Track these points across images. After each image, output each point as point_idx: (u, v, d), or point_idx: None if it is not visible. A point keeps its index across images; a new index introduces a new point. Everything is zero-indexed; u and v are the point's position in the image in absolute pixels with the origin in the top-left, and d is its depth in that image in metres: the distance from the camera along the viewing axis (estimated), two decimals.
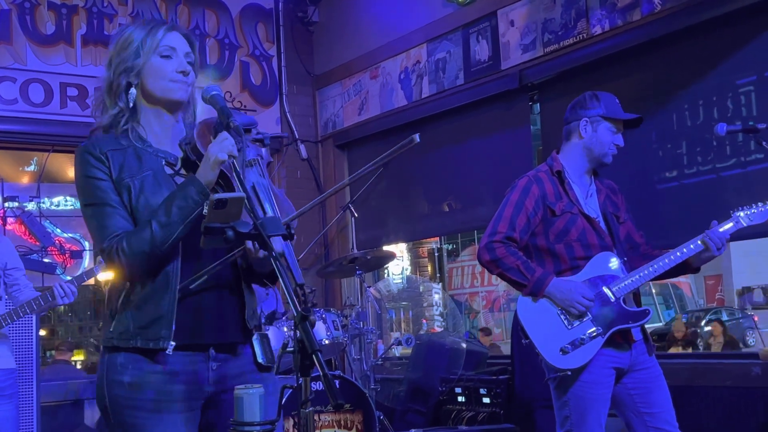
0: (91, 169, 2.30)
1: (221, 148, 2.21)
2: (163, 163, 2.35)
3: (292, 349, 1.89)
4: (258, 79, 7.16)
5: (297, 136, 7.25)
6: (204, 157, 2.25)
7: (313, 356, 1.85)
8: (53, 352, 10.46)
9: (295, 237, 2.21)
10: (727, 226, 3.46)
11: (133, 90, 2.38)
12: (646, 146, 4.93)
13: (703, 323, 15.32)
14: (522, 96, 5.64)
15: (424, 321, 7.11)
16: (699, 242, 3.44)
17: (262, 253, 2.17)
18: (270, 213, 2.17)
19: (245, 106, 6.97)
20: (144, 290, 2.29)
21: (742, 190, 4.51)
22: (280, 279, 2.00)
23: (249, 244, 2.15)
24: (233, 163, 2.20)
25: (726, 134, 3.60)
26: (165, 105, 2.40)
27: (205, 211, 2.20)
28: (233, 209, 2.05)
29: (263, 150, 2.39)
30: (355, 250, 6.69)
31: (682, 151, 4.80)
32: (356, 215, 6.58)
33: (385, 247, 6.93)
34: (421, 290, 6.76)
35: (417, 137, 1.99)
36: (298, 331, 1.88)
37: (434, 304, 7.12)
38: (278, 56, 7.29)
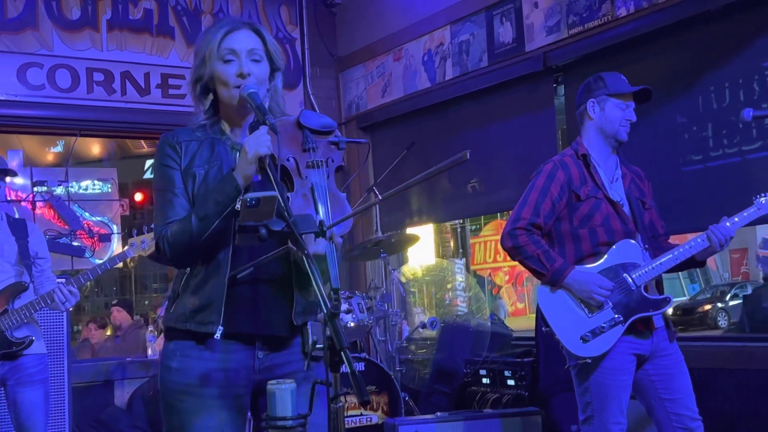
0: (164, 158, 2.42)
1: (258, 143, 2.26)
2: (237, 155, 2.40)
3: (321, 346, 1.94)
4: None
5: None
6: (241, 152, 2.30)
7: (342, 353, 1.90)
8: (80, 326, 10.62)
9: (341, 240, 2.26)
10: (749, 211, 3.46)
11: (211, 95, 2.46)
12: (672, 129, 4.91)
13: (728, 298, 15.23)
14: (546, 78, 5.61)
15: (447, 297, 7.13)
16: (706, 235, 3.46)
17: (312, 249, 2.20)
18: (321, 214, 2.23)
19: None
20: (199, 277, 2.38)
21: (767, 173, 4.49)
22: (311, 276, 2.04)
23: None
24: (269, 161, 2.24)
25: (753, 119, 3.58)
26: (233, 109, 2.46)
27: (238, 206, 2.25)
28: (266, 208, 2.10)
29: (337, 154, 2.43)
30: (379, 233, 6.73)
31: (708, 134, 4.77)
32: (380, 197, 6.61)
33: (409, 230, 6.97)
34: (445, 274, 6.78)
35: (468, 154, 2.01)
36: (327, 328, 1.93)
37: (457, 288, 7.14)
38: (301, 39, 7.29)
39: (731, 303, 17.70)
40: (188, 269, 2.41)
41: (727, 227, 3.43)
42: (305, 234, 2.10)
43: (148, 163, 8.87)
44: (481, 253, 16.31)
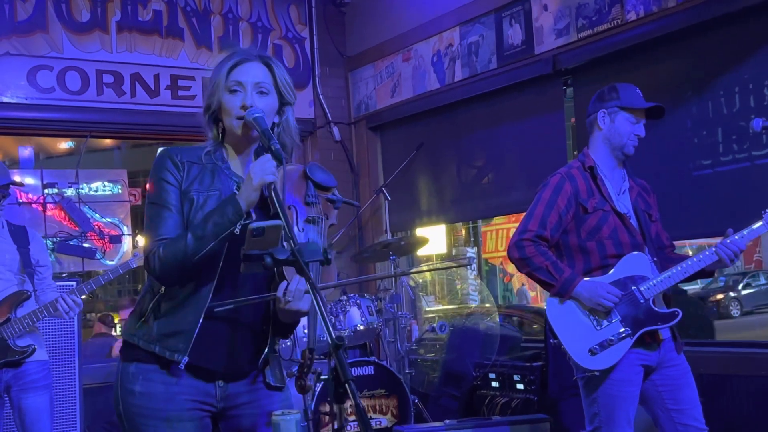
0: (164, 172, 2.42)
1: (264, 170, 2.27)
2: (235, 186, 2.42)
3: (326, 377, 1.95)
4: (291, 62, 7.17)
5: (330, 118, 7.27)
6: (246, 177, 2.31)
7: (346, 385, 1.91)
8: (93, 314, 10.70)
9: (326, 301, 2.29)
10: (757, 225, 3.45)
11: (220, 124, 2.48)
12: (682, 133, 4.89)
13: (740, 287, 15.15)
14: (555, 81, 5.59)
15: (457, 282, 7.14)
16: (729, 241, 3.44)
17: (293, 305, 2.24)
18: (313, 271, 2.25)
19: None
20: (175, 301, 2.37)
21: None
22: (315, 307, 2.06)
23: (280, 293, 2.20)
24: (273, 187, 2.25)
25: (762, 130, 3.56)
26: (238, 139, 2.46)
27: (236, 230, 2.25)
28: (271, 236, 2.10)
29: (333, 212, 2.47)
30: (389, 233, 6.74)
31: (718, 139, 4.76)
32: (389, 198, 6.63)
33: (419, 231, 6.98)
34: (453, 277, 6.79)
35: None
36: (332, 360, 1.94)
37: (470, 285, 7.14)
38: (311, 38, 7.29)
39: (744, 292, 17.68)
40: (162, 289, 2.39)
41: (736, 240, 3.41)
42: (311, 262, 2.11)
43: (160, 150, 8.92)
44: (492, 242, 16.29)
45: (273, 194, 2.24)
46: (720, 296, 14.98)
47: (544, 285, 3.54)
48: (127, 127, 6.57)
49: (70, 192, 6.60)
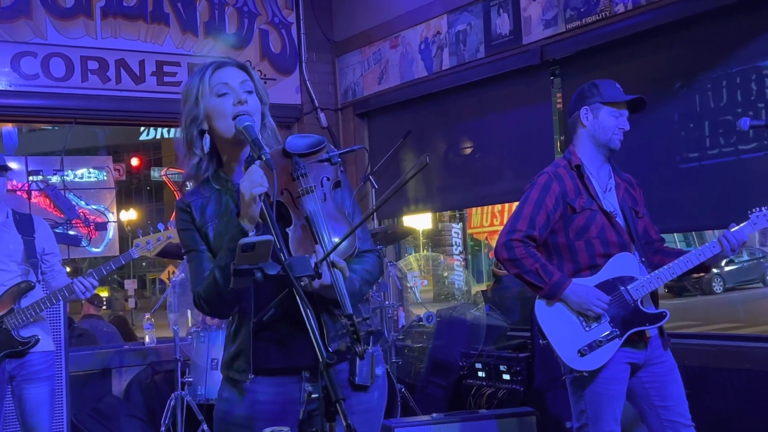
0: (181, 222, 2.48)
1: (252, 183, 2.24)
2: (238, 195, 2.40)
3: (317, 396, 1.95)
4: (277, 47, 7.13)
5: (317, 104, 7.24)
6: (239, 195, 2.29)
7: (337, 405, 1.91)
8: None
9: (345, 263, 2.24)
10: (741, 225, 3.47)
11: (207, 136, 2.43)
12: (669, 126, 4.91)
13: (723, 263, 15.23)
14: (543, 72, 5.59)
15: (442, 258, 7.11)
16: (716, 242, 3.45)
17: (317, 284, 2.22)
18: (325, 241, 2.24)
19: (265, 75, 6.95)
20: (233, 325, 2.46)
21: (762, 173, 4.49)
22: (306, 322, 2.05)
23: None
24: (264, 199, 2.23)
25: (749, 129, 3.58)
26: (236, 141, 2.42)
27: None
28: (261, 251, 2.08)
29: (331, 170, 2.40)
30: (375, 221, 6.74)
31: (704, 133, 4.77)
32: (376, 186, 6.62)
33: (406, 218, 6.98)
34: (441, 268, 6.80)
35: (427, 158, 1.96)
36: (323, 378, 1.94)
37: (454, 252, 7.14)
38: (297, 23, 7.23)
39: (726, 268, 17.80)
40: (229, 320, 2.48)
41: (736, 233, 3.44)
42: (301, 277, 2.10)
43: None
44: (477, 217, 16.35)
45: (263, 207, 2.22)
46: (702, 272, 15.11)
47: (533, 287, 3.54)
48: (112, 114, 6.52)
49: (55, 179, 6.56)
